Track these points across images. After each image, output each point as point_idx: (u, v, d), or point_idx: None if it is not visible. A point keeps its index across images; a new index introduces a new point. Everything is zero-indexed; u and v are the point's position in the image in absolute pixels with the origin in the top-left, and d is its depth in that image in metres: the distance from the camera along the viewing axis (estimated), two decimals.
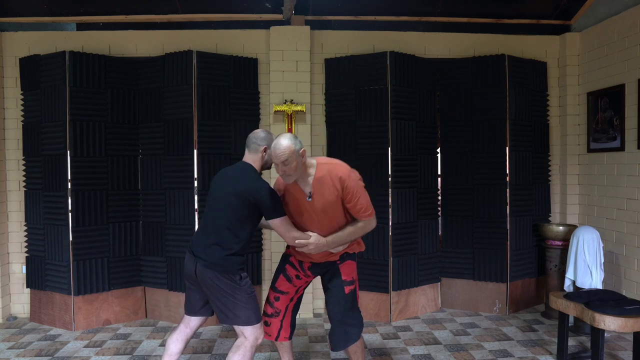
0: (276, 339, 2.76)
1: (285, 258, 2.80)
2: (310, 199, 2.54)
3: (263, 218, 2.64)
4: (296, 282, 2.76)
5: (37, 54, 4.23)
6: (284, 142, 2.40)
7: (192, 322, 2.74)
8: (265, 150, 2.63)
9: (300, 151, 2.44)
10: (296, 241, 2.53)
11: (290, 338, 2.81)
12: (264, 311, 2.78)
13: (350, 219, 2.64)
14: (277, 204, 2.52)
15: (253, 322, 2.55)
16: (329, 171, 2.52)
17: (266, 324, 2.75)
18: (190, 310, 2.73)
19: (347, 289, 2.65)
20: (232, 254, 2.52)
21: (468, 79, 4.50)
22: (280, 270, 2.79)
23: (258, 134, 2.67)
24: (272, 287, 2.79)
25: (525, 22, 4.77)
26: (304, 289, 2.85)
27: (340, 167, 2.54)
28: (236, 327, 2.57)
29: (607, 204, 4.35)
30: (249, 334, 2.55)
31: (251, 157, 2.64)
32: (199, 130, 4.12)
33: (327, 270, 2.72)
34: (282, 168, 2.42)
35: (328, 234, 2.58)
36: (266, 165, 2.69)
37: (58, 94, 4.07)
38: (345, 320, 2.65)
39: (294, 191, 2.60)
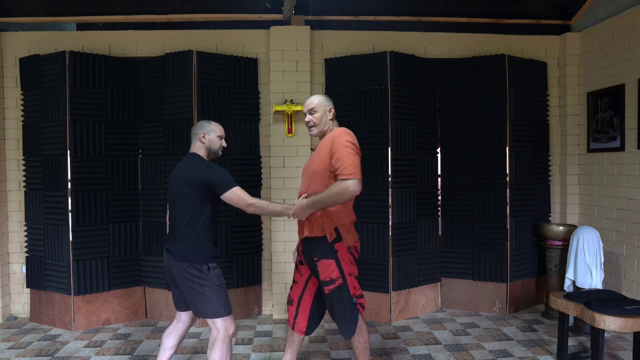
0: (292, 327, 2.81)
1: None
2: (312, 153, 2.69)
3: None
4: (302, 269, 2.79)
5: (37, 54, 4.23)
6: (316, 95, 2.72)
7: (182, 316, 2.80)
8: (203, 136, 2.71)
9: (328, 107, 2.67)
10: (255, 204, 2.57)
11: (306, 333, 2.82)
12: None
13: (324, 183, 2.60)
14: (225, 177, 2.57)
15: (222, 314, 2.58)
16: (334, 132, 2.64)
17: (287, 310, 2.86)
18: (178, 307, 2.79)
19: (326, 289, 2.62)
20: (196, 242, 2.56)
21: (468, 79, 4.50)
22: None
23: (198, 123, 2.80)
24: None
25: (525, 22, 4.77)
26: (318, 284, 2.77)
27: (340, 130, 2.63)
28: (208, 321, 2.61)
29: (607, 204, 4.35)
30: (220, 326, 2.59)
31: (194, 146, 2.74)
32: None
33: (312, 266, 2.70)
34: (308, 117, 2.66)
35: (302, 190, 2.68)
36: (212, 151, 2.75)
37: (58, 94, 4.07)
38: (335, 317, 2.67)
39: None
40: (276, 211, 2.71)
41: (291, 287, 2.86)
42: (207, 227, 2.61)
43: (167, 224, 2.84)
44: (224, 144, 2.81)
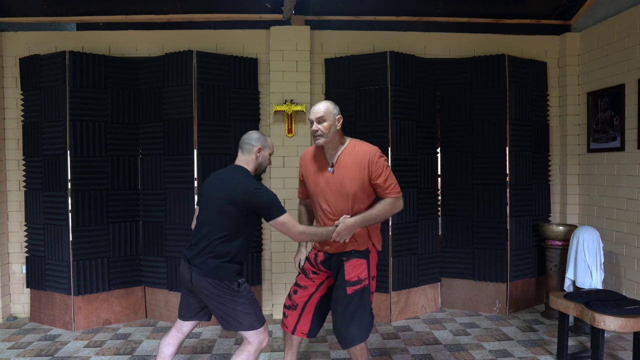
0: (293, 332, 2.75)
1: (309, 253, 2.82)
2: (331, 170, 2.58)
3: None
4: (313, 277, 2.74)
5: (37, 54, 4.23)
6: (324, 102, 2.58)
7: (184, 327, 2.68)
8: (259, 150, 2.59)
9: (337, 116, 2.56)
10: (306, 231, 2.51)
11: (310, 335, 2.78)
12: (284, 303, 2.80)
13: (365, 204, 2.59)
14: (276, 202, 2.45)
15: (256, 327, 2.50)
16: (359, 147, 2.57)
17: (284, 315, 2.77)
18: (185, 316, 2.67)
19: (349, 290, 2.55)
20: (228, 261, 2.46)
21: (468, 79, 4.50)
22: (303, 265, 2.83)
23: (252, 134, 2.64)
24: (295, 281, 2.81)
25: (525, 22, 4.77)
26: (328, 287, 2.76)
27: (371, 146, 2.60)
28: (242, 334, 2.53)
29: (607, 204, 4.35)
30: (253, 339, 2.50)
31: (245, 159, 2.59)
32: (199, 130, 4.12)
33: (337, 267, 2.65)
34: (316, 126, 2.52)
35: (335, 211, 2.58)
36: (260, 168, 2.64)
37: (58, 94, 4.07)
38: (347, 320, 2.57)
39: (318, 161, 2.65)
40: (323, 235, 2.56)
41: (295, 292, 2.77)
42: (242, 248, 2.50)
43: (193, 230, 2.67)
44: (270, 162, 2.71)
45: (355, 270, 2.57)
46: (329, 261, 2.67)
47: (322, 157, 2.66)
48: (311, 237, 2.57)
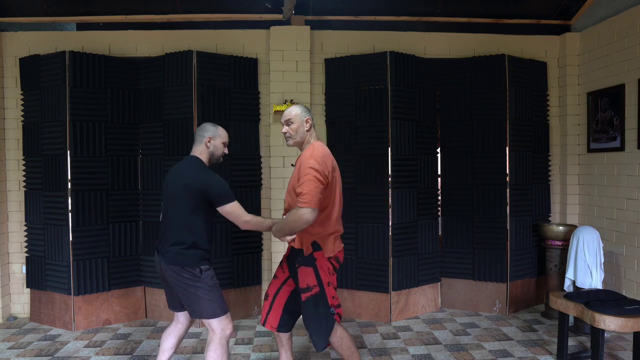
0: (263, 323, 2.80)
1: None
2: (293, 167, 2.71)
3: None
4: (285, 266, 2.80)
5: (37, 54, 4.23)
6: (294, 106, 2.71)
7: (180, 317, 2.77)
8: (209, 140, 2.67)
9: (305, 118, 2.66)
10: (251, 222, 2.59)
11: (280, 330, 2.79)
12: None
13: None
14: (225, 190, 2.54)
15: (219, 314, 2.56)
16: (309, 150, 2.60)
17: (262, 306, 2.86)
18: (172, 307, 2.76)
19: (303, 297, 2.59)
20: (188, 247, 2.53)
21: (468, 79, 4.50)
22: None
23: (205, 125, 2.73)
24: None
25: (525, 22, 4.77)
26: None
27: (310, 151, 2.58)
28: (204, 322, 2.59)
29: (607, 204, 4.35)
30: (216, 326, 2.56)
31: (197, 149, 2.69)
32: None
33: (294, 272, 2.68)
34: (285, 128, 2.67)
35: (288, 208, 2.68)
36: (214, 157, 2.72)
37: (58, 94, 4.07)
38: (308, 327, 2.62)
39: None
40: (265, 226, 2.69)
41: (270, 283, 2.85)
42: (200, 233, 2.56)
43: (161, 223, 2.78)
44: (226, 151, 2.77)
45: (304, 278, 2.60)
46: (291, 258, 2.72)
47: None
48: (256, 227, 2.66)
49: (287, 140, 2.70)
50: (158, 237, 2.70)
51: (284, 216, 2.66)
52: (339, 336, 2.64)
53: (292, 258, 2.70)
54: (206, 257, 2.60)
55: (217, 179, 2.56)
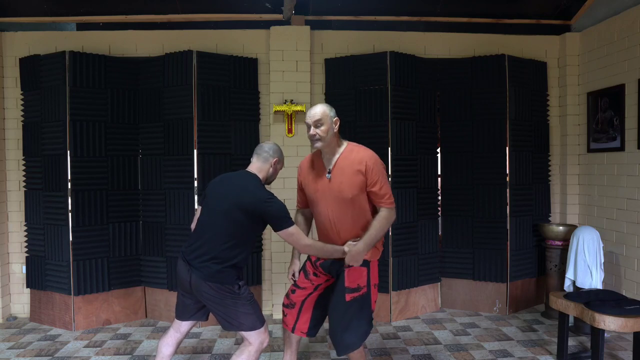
0: (292, 330, 2.74)
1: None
2: (329, 176, 2.53)
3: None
4: (313, 279, 2.71)
5: (37, 54, 4.23)
6: (320, 105, 2.53)
7: (182, 327, 2.69)
8: (276, 162, 2.59)
9: (334, 118, 2.52)
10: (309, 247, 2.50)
11: (309, 335, 2.75)
12: (282, 302, 2.80)
13: (364, 208, 2.54)
14: (286, 213, 2.44)
15: (258, 327, 2.51)
16: (356, 152, 2.53)
17: (283, 314, 2.78)
18: (182, 316, 2.66)
19: (348, 297, 2.50)
20: (231, 266, 2.45)
21: (468, 79, 4.50)
22: (303, 265, 2.79)
23: (273, 146, 2.63)
24: (294, 281, 2.80)
25: (525, 22, 4.77)
26: (326, 287, 2.73)
27: (369, 151, 2.56)
28: (243, 334, 2.53)
29: (607, 204, 4.35)
30: (254, 339, 2.51)
31: (258, 166, 2.57)
32: (199, 130, 4.12)
33: (338, 271, 2.61)
34: (314, 130, 2.48)
35: (335, 217, 2.54)
36: (269, 180, 2.63)
37: (58, 94, 4.07)
38: (343, 327, 2.52)
39: (317, 168, 2.61)
40: (328, 252, 2.55)
41: (292, 292, 2.76)
42: (244, 254, 2.50)
43: (193, 231, 2.64)
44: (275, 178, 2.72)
45: (354, 277, 2.53)
46: (329, 266, 2.64)
47: (320, 163, 2.63)
48: (316, 252, 2.56)
49: (314, 143, 2.51)
50: (188, 246, 2.54)
51: (348, 244, 2.54)
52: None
53: (337, 264, 2.59)
54: (242, 273, 2.55)
55: (279, 202, 2.44)
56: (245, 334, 2.51)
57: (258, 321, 2.51)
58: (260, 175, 2.56)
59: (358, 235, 2.55)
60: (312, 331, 2.77)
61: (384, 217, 2.52)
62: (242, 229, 2.44)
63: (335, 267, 2.62)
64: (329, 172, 2.54)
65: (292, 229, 2.44)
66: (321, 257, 2.63)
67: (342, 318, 2.53)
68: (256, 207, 2.40)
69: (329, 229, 2.61)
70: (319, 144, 2.51)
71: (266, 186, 2.60)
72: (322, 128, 2.48)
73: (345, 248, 2.52)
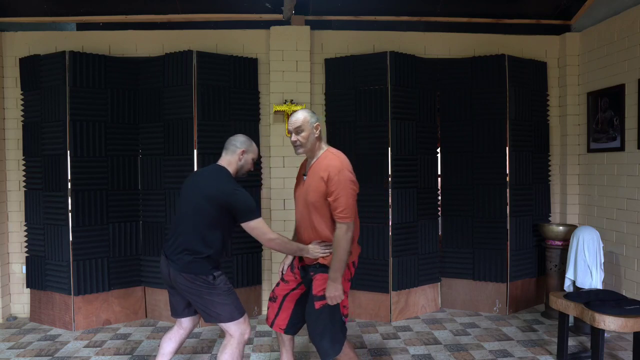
0: (271, 325, 2.73)
1: None
2: (305, 177, 2.58)
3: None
4: (297, 272, 2.70)
5: (37, 54, 4.23)
6: (301, 111, 2.54)
7: (184, 323, 2.73)
8: (243, 153, 2.61)
9: (315, 124, 2.54)
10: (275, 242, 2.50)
11: (287, 332, 2.74)
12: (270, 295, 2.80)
13: (326, 216, 2.51)
14: (251, 206, 2.47)
15: (236, 317, 2.53)
16: (328, 159, 2.51)
17: (267, 307, 2.79)
18: (175, 313, 2.71)
19: (317, 304, 2.49)
20: (204, 257, 2.48)
21: (468, 79, 4.50)
22: (292, 259, 2.79)
23: (238, 137, 2.67)
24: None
25: (525, 22, 4.77)
26: (308, 288, 2.72)
27: (337, 161, 2.48)
28: (222, 327, 2.56)
29: (607, 204, 4.35)
30: (234, 330, 2.53)
31: (227, 159, 2.61)
32: (199, 130, 4.12)
33: (308, 280, 2.62)
34: (295, 137, 2.51)
35: (302, 217, 2.57)
36: (241, 171, 2.65)
37: (58, 94, 4.07)
38: (318, 334, 2.51)
39: (303, 168, 2.69)
40: (292, 249, 2.56)
41: (277, 285, 2.76)
42: (216, 247, 2.51)
43: (172, 227, 2.69)
44: (252, 168, 2.71)
45: (322, 284, 2.50)
46: (304, 270, 2.66)
47: (305, 164, 2.70)
48: (280, 247, 2.56)
49: (296, 149, 2.55)
50: (166, 241, 2.62)
51: (299, 228, 2.59)
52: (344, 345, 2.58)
53: (308, 266, 2.61)
54: (218, 264, 2.57)
55: (244, 194, 2.47)
56: (224, 326, 2.53)
57: (236, 311, 2.53)
58: (230, 168, 2.60)
59: (319, 239, 2.54)
60: (291, 329, 2.74)
61: (340, 238, 2.42)
62: (212, 220, 2.48)
63: (308, 277, 2.63)
64: (305, 174, 2.60)
65: (255, 222, 2.47)
66: (286, 254, 2.68)
67: (316, 325, 2.54)
68: (221, 199, 2.45)
69: (298, 228, 2.67)
70: (300, 150, 2.55)
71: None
72: (303, 134, 2.51)
73: (310, 247, 2.54)
